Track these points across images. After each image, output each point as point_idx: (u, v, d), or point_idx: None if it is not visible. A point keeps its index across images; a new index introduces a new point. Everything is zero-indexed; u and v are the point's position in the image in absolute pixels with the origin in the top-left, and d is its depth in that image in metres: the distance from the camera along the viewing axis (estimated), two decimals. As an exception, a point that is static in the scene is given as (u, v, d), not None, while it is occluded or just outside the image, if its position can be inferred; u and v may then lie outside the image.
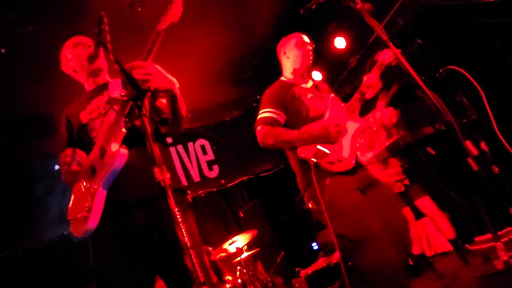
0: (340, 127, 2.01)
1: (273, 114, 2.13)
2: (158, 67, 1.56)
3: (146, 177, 1.45)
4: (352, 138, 2.05)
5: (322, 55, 4.20)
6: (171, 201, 1.03)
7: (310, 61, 2.30)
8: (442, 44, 3.26)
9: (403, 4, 3.30)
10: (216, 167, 5.25)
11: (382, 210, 1.93)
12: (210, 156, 5.30)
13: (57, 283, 4.16)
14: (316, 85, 2.32)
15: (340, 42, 3.96)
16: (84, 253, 4.47)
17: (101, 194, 1.52)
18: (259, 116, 2.17)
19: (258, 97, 5.49)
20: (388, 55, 2.14)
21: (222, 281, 3.79)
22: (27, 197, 4.45)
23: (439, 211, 3.19)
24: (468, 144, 1.49)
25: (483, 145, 2.69)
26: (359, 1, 1.78)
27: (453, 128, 1.62)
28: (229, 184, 4.56)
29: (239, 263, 3.69)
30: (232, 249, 3.65)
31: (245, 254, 3.66)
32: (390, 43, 1.73)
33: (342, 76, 4.27)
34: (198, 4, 3.42)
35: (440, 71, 2.81)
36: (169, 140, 5.21)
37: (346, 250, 1.91)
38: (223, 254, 3.76)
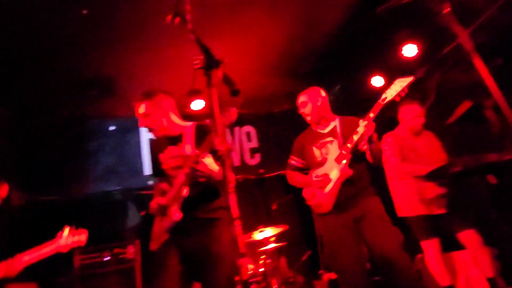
0: (319, 178, 2.47)
1: (293, 161, 2.79)
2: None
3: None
4: (333, 186, 2.41)
5: (386, 61, 4.03)
6: (228, 165, 1.06)
7: (320, 112, 2.69)
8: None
9: (490, 19, 3.05)
10: (257, 156, 5.30)
11: (372, 240, 2.35)
12: (254, 144, 5.35)
13: (91, 233, 4.42)
14: (334, 127, 2.64)
15: (409, 50, 3.76)
16: (121, 213, 4.75)
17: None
18: (288, 161, 2.83)
19: (311, 94, 5.42)
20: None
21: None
22: (80, 150, 4.78)
23: (483, 246, 2.96)
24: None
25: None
26: (447, 5, 1.68)
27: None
28: (268, 175, 4.57)
29: (263, 253, 3.70)
30: (259, 237, 3.67)
31: (271, 245, 3.66)
32: (475, 55, 1.62)
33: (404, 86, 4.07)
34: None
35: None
36: (217, 121, 5.31)
37: None
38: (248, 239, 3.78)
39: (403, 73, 4.17)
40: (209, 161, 1.92)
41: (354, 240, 2.39)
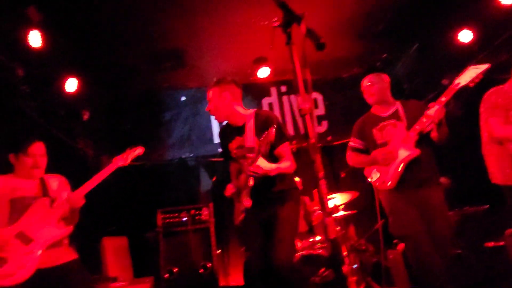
0: (387, 155, 2.55)
1: (354, 143, 2.91)
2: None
3: None
4: (399, 163, 2.53)
5: (478, 11, 3.50)
6: (310, 124, 1.05)
7: (383, 95, 2.77)
8: None
9: None
10: (325, 123, 5.20)
11: (429, 217, 2.49)
12: (321, 111, 5.24)
13: (170, 195, 4.86)
14: (396, 110, 2.72)
15: (508, -3, 3.20)
16: (195, 178, 5.11)
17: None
18: (349, 143, 2.95)
19: (384, 56, 5.01)
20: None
21: (311, 232, 3.90)
22: (157, 120, 5.18)
23: None
24: None
25: None
26: None
27: None
28: (335, 142, 4.46)
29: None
30: (328, 204, 3.65)
31: (340, 213, 3.64)
32: None
33: (500, 39, 3.51)
34: None
35: None
36: (283, 88, 5.28)
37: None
38: (317, 207, 3.81)
39: (498, 25, 3.62)
40: (261, 162, 2.12)
41: (417, 212, 2.51)
